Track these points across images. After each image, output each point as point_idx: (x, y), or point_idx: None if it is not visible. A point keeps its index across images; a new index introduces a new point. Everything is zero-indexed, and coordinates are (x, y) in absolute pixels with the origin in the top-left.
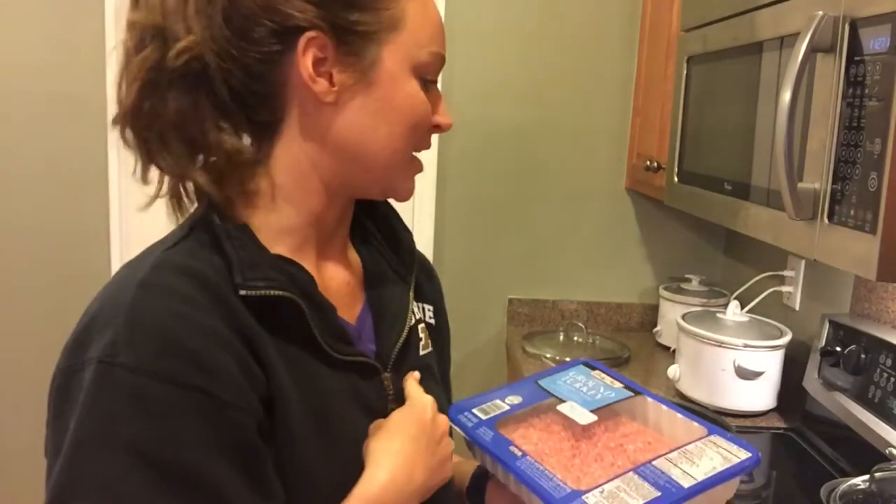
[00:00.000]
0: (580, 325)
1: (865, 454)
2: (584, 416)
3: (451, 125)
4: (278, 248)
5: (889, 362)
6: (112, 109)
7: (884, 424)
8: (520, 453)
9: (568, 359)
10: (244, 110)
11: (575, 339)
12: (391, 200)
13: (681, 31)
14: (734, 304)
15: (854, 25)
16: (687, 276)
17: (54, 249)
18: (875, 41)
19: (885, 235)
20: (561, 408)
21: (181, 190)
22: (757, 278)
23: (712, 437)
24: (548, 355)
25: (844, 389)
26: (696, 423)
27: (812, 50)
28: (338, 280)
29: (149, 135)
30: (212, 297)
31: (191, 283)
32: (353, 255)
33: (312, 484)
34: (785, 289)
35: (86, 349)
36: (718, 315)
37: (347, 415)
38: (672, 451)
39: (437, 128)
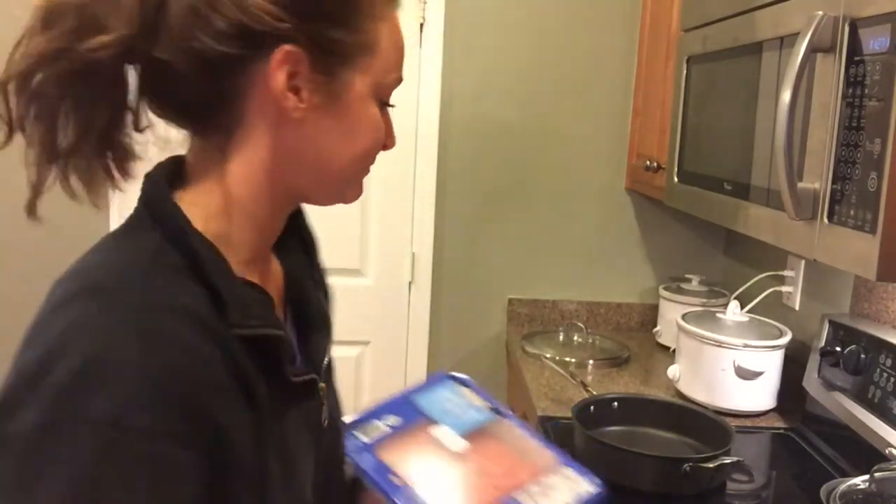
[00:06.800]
0: (580, 325)
1: (865, 454)
2: (456, 443)
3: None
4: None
5: (889, 362)
6: None
7: (884, 424)
8: (400, 483)
9: (568, 358)
10: (190, 116)
11: (575, 339)
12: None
13: (681, 31)
14: (734, 304)
15: (854, 25)
16: (687, 276)
17: (54, 249)
18: (875, 41)
19: (884, 235)
20: (435, 433)
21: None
22: (757, 278)
23: (564, 470)
24: (547, 355)
25: (844, 389)
26: (548, 452)
27: (812, 50)
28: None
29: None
30: (214, 345)
31: (193, 330)
32: (276, 263)
33: None
34: (785, 289)
35: (74, 404)
36: (718, 315)
37: (302, 445)
38: (532, 483)
39: (384, 147)
